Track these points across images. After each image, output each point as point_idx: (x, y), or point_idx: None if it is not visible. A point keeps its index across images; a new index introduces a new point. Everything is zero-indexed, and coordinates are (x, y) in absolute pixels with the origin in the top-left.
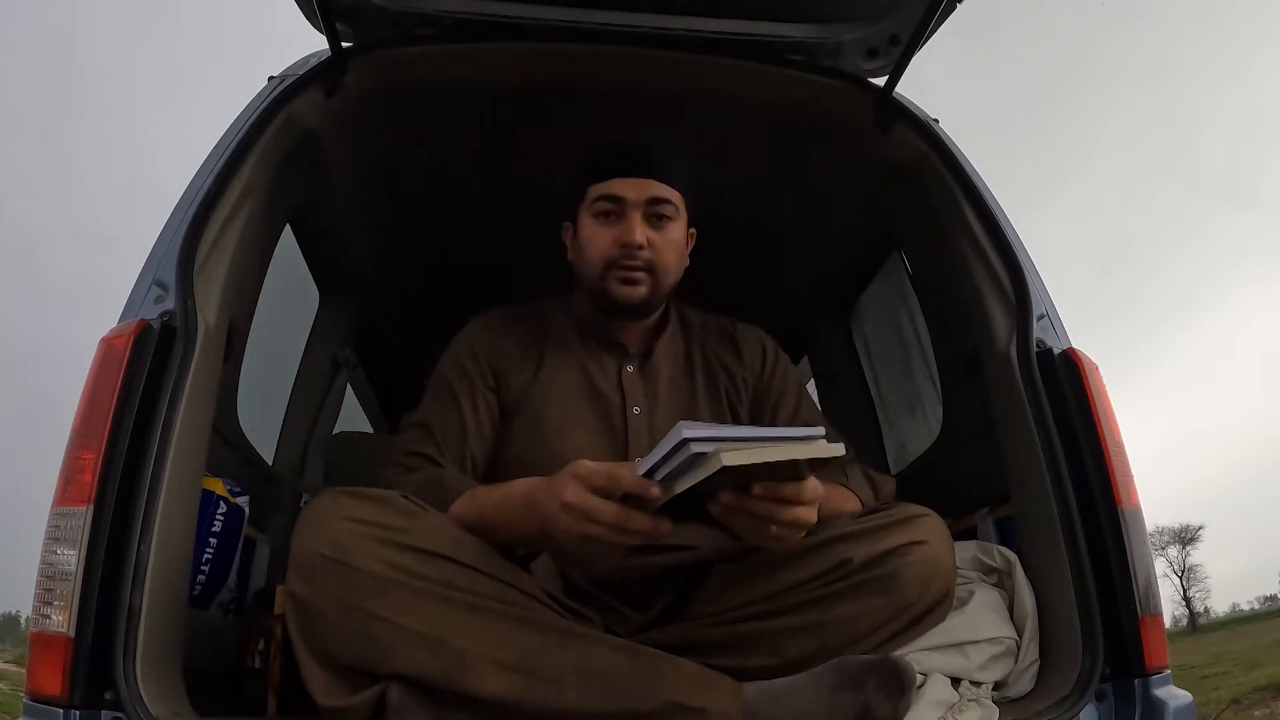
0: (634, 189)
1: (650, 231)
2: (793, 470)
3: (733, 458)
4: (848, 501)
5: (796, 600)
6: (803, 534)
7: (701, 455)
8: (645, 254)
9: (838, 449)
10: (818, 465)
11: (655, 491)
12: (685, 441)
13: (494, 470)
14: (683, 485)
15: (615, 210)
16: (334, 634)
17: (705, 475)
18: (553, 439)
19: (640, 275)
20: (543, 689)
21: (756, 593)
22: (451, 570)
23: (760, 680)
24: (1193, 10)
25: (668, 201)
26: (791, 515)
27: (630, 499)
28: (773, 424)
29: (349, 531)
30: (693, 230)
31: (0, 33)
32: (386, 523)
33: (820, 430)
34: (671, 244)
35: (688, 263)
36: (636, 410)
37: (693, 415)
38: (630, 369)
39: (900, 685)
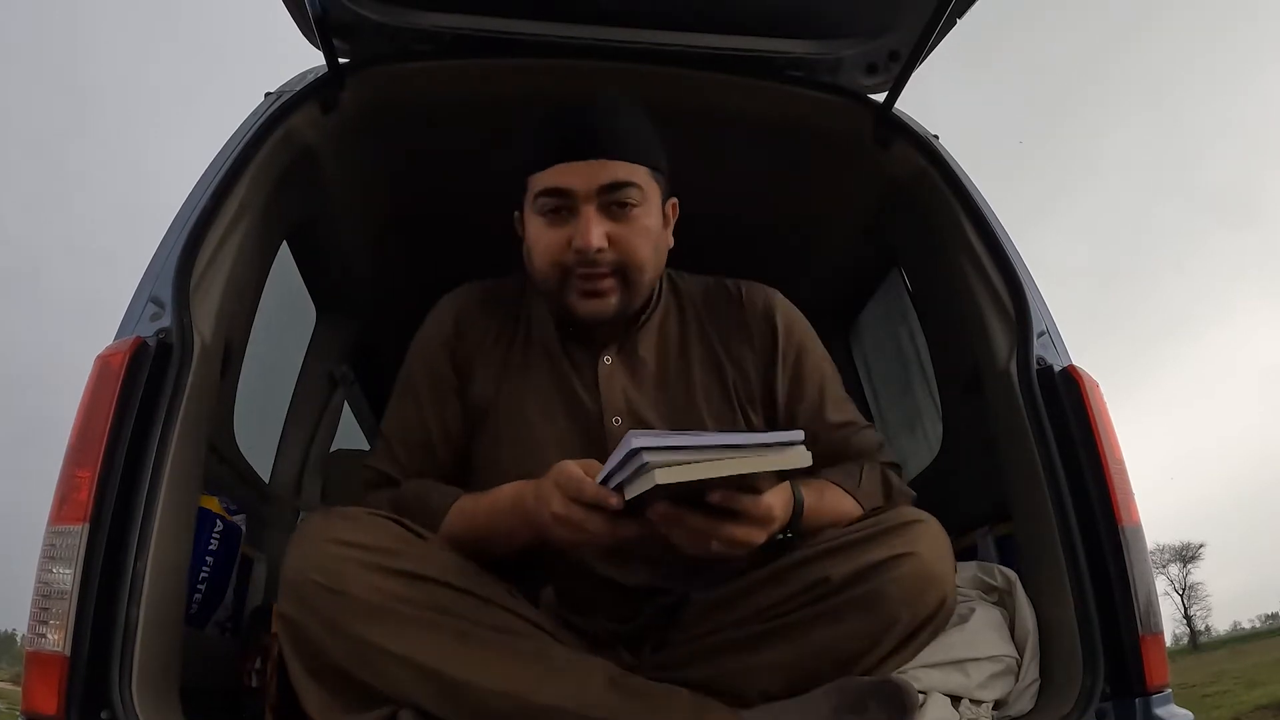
0: (582, 176)
1: (611, 225)
2: (750, 481)
3: (668, 474)
4: (843, 505)
5: (773, 625)
6: (746, 552)
7: (643, 467)
8: (608, 255)
9: (800, 459)
10: (791, 474)
11: (614, 502)
12: (635, 451)
13: (468, 475)
14: (631, 493)
15: (564, 205)
16: (326, 656)
17: (644, 489)
18: (529, 455)
19: (606, 284)
20: (538, 716)
21: (732, 617)
22: (442, 595)
23: (756, 708)
24: (1192, 28)
25: (629, 184)
26: (729, 533)
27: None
28: (790, 426)
29: (339, 556)
30: (673, 200)
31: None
32: (376, 545)
33: (798, 435)
34: (642, 233)
35: (672, 242)
36: (617, 421)
37: (689, 423)
38: (609, 360)
39: (903, 707)
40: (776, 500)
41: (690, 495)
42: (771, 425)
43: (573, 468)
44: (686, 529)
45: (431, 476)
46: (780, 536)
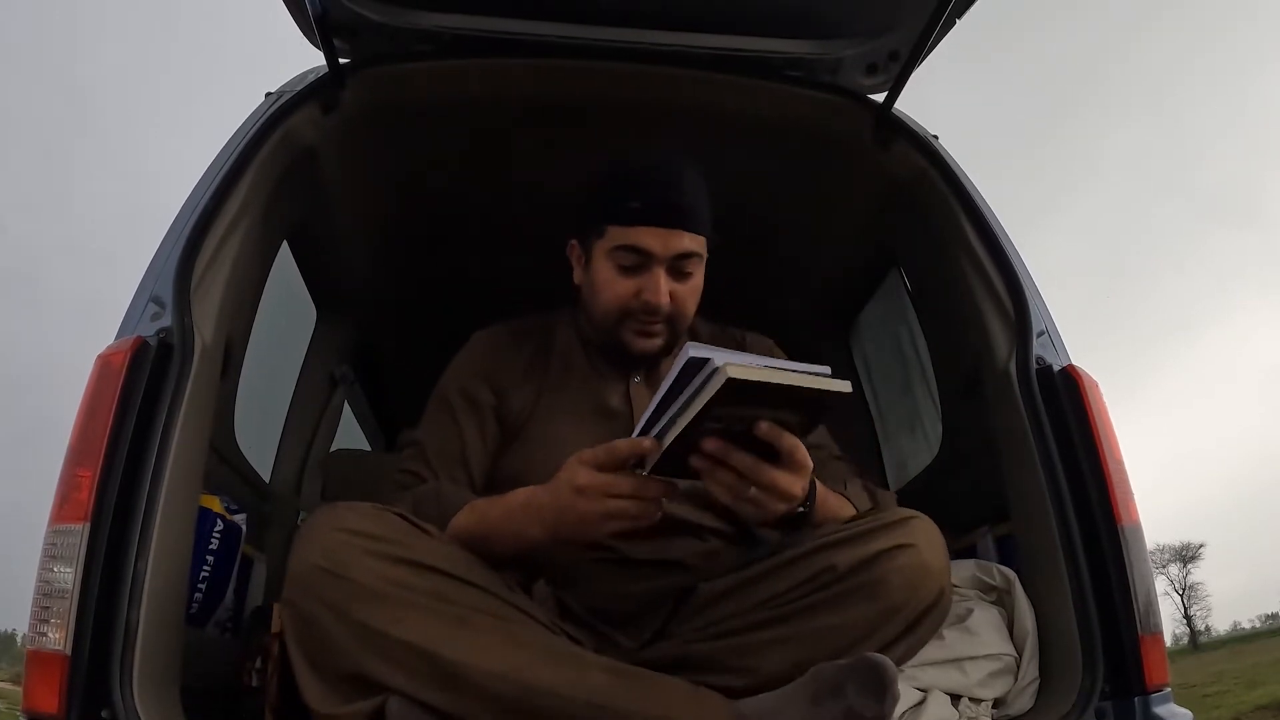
0: (662, 242)
1: (674, 284)
2: (793, 417)
3: (738, 371)
4: (844, 509)
5: (779, 612)
6: (783, 506)
7: (709, 372)
8: (667, 308)
9: (844, 384)
10: (818, 413)
11: (649, 445)
12: (696, 360)
13: (495, 489)
14: (681, 422)
15: (639, 263)
16: (329, 642)
17: (710, 395)
18: (559, 458)
19: (659, 328)
20: (535, 700)
21: (738, 605)
22: (444, 583)
23: (749, 697)
24: (1193, 28)
25: (694, 254)
26: (770, 477)
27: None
28: None
29: (343, 543)
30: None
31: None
32: (381, 535)
33: (826, 369)
34: (693, 293)
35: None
36: None
37: None
38: (638, 380)
39: (881, 683)
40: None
41: (735, 433)
42: None
43: (591, 449)
44: (728, 471)
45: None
46: (800, 509)
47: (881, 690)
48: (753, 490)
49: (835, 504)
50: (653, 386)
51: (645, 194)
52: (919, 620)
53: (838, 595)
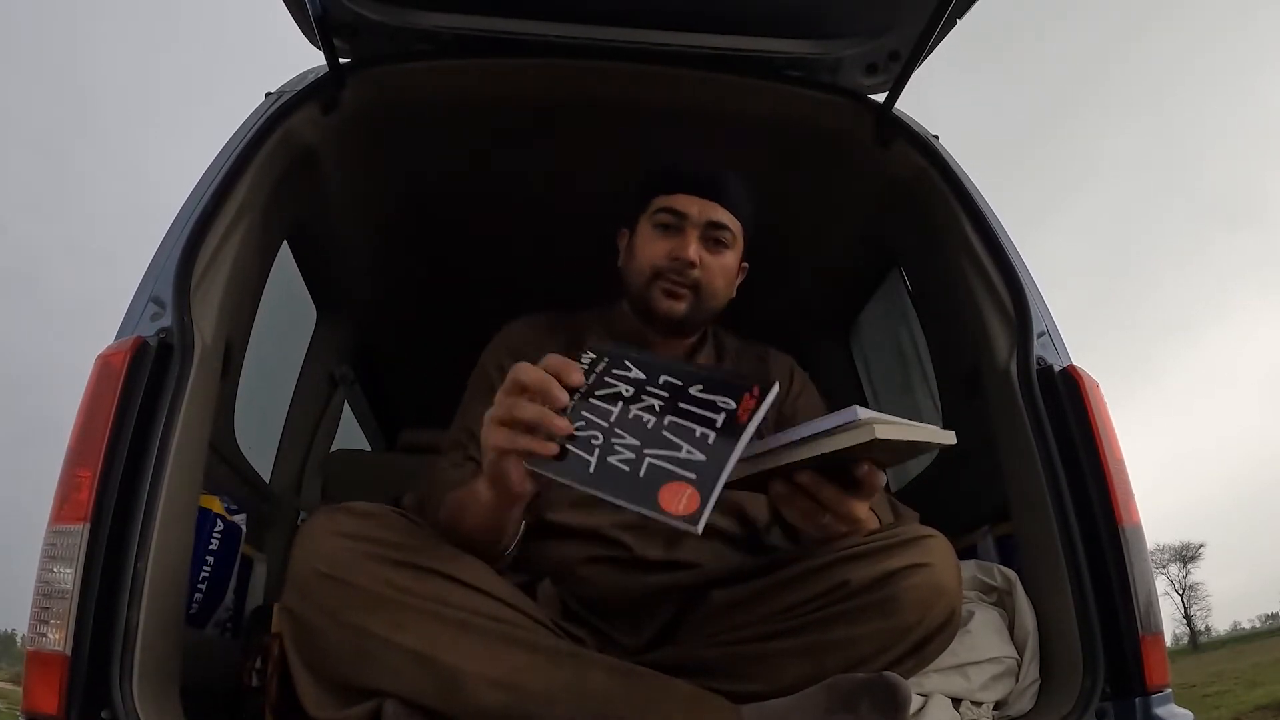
0: (698, 207)
1: (705, 252)
2: (884, 455)
3: (885, 430)
4: (868, 521)
5: (793, 623)
6: (847, 529)
7: (854, 422)
8: (695, 273)
9: (949, 436)
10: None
11: (575, 376)
12: (856, 420)
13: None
14: (801, 454)
15: (675, 224)
16: (327, 649)
17: (847, 445)
18: None
19: (684, 291)
20: (533, 707)
21: (752, 615)
22: (444, 587)
23: (754, 703)
24: (1193, 29)
25: (727, 228)
26: (849, 508)
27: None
28: None
29: (343, 548)
30: (745, 264)
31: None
32: (381, 538)
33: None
34: (722, 269)
35: (734, 294)
36: None
37: None
38: None
39: (894, 703)
40: None
41: (839, 466)
42: None
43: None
44: (808, 498)
45: None
46: None
47: (894, 710)
48: (827, 517)
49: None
50: None
51: (689, 166)
52: (929, 639)
53: (851, 611)
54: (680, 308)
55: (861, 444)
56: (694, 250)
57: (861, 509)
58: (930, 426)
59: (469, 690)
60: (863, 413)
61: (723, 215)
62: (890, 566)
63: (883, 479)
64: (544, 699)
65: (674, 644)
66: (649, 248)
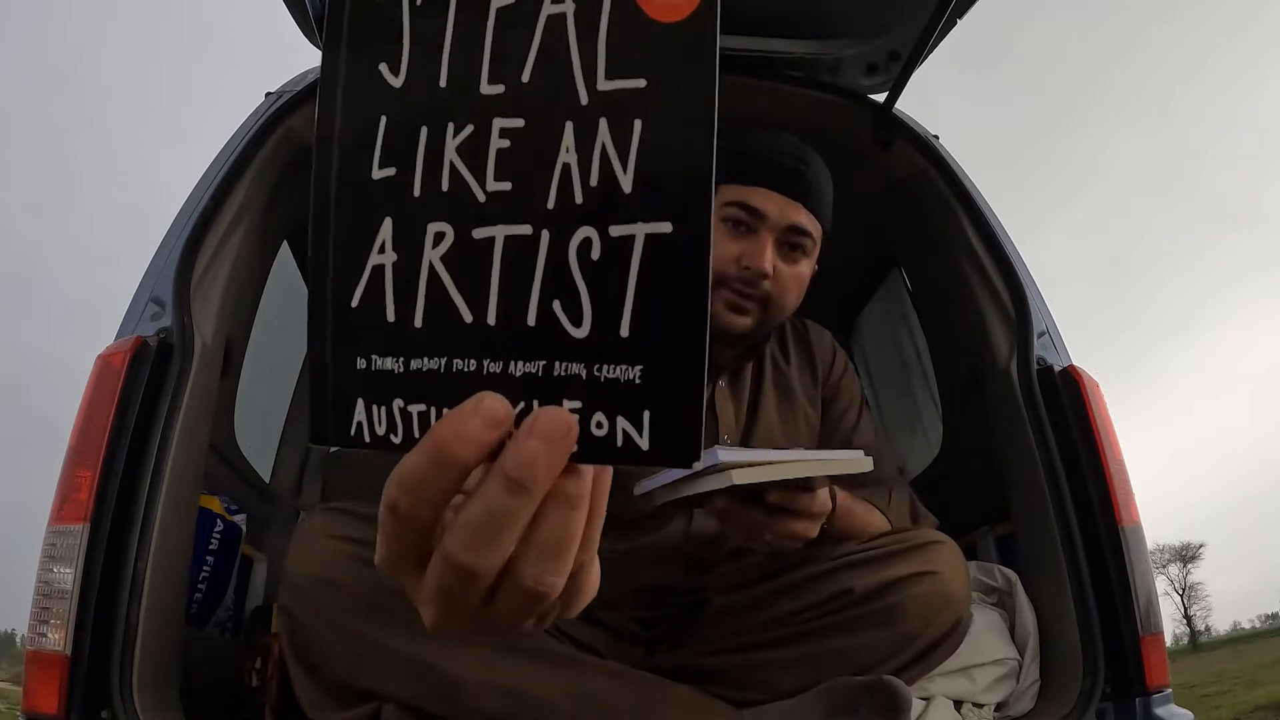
0: (778, 207)
1: (780, 261)
2: (808, 482)
3: (743, 475)
4: (873, 523)
5: (794, 631)
6: (797, 545)
7: (714, 468)
8: (767, 284)
9: (861, 465)
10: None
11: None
12: (716, 465)
13: None
14: (687, 491)
15: (749, 223)
16: (325, 651)
17: (712, 489)
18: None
19: (751, 305)
20: (533, 712)
21: (753, 622)
22: None
23: (755, 707)
24: (1194, 31)
25: (809, 234)
26: (786, 529)
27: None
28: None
29: (338, 551)
30: (815, 267)
31: (2, 53)
32: (375, 541)
33: (858, 453)
34: (796, 280)
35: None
36: (726, 439)
37: (785, 441)
38: (722, 383)
39: (895, 706)
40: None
41: (752, 494)
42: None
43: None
44: (744, 523)
45: None
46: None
47: (894, 714)
48: (767, 535)
49: (863, 517)
50: (736, 392)
51: (771, 155)
52: (933, 647)
53: (853, 619)
54: (745, 323)
55: (730, 491)
56: (769, 259)
57: (800, 527)
58: (831, 455)
59: (468, 695)
60: (724, 453)
61: (805, 219)
62: (895, 574)
63: (825, 502)
64: (544, 704)
65: (674, 650)
66: (715, 247)
